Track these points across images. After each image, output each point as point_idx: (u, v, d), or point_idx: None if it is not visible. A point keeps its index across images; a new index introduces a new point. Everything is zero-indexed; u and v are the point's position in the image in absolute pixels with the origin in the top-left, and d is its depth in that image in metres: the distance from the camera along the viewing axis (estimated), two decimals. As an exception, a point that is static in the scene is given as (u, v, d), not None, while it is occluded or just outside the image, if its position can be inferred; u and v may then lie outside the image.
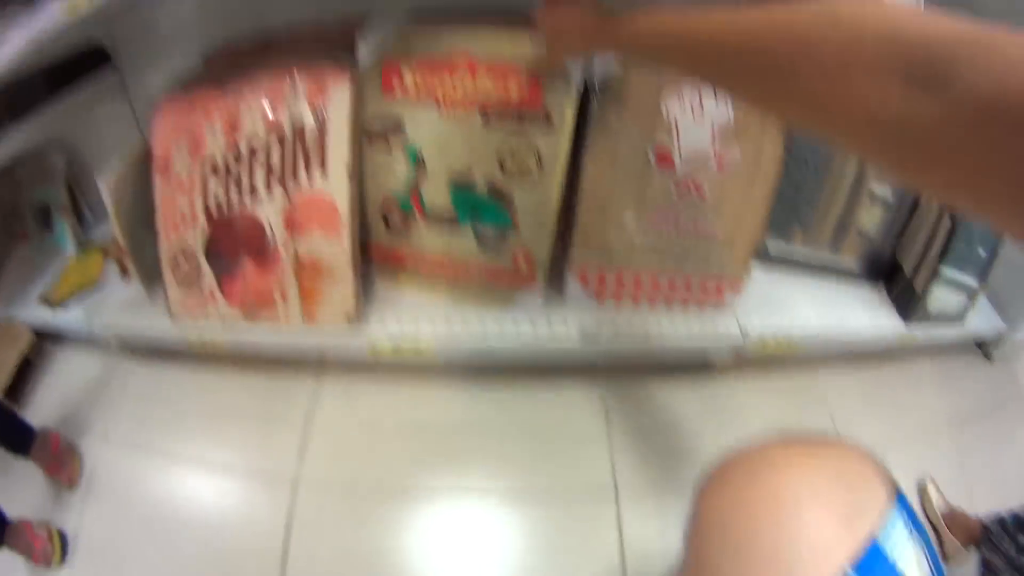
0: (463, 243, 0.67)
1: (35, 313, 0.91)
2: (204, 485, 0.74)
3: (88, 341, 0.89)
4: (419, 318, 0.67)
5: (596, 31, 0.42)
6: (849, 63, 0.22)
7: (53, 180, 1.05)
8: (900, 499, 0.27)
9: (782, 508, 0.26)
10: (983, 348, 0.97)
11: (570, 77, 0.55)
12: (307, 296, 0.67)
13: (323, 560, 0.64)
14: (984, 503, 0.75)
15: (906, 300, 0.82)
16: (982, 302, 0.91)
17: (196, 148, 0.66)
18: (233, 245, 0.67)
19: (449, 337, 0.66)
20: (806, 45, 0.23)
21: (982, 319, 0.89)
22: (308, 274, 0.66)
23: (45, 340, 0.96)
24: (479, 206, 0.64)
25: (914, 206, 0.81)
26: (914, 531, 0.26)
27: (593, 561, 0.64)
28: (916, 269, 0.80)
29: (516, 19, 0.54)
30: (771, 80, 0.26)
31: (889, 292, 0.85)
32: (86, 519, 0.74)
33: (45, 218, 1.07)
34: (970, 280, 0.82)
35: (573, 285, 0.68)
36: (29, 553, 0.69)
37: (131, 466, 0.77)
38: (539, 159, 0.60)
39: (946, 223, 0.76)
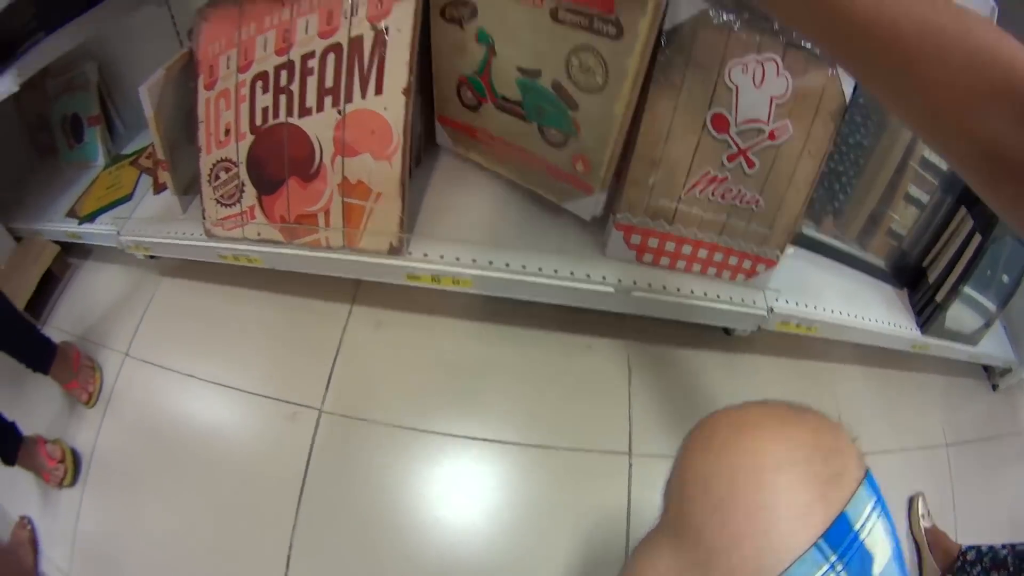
0: (528, 134, 0.67)
1: (62, 227, 0.90)
2: (227, 408, 0.74)
3: (116, 255, 0.88)
4: (461, 252, 0.67)
5: None
6: (974, 85, 0.24)
7: (85, 89, 1.03)
8: (870, 478, 0.28)
9: (762, 471, 0.27)
10: (990, 376, 0.99)
11: None
12: (351, 221, 0.66)
13: (338, 496, 0.65)
14: (966, 530, 0.77)
15: (926, 310, 0.83)
16: (998, 330, 0.93)
17: (245, 60, 0.65)
18: (278, 162, 0.66)
19: (489, 273, 0.66)
20: (941, 55, 0.25)
21: (995, 346, 0.91)
22: (354, 197, 0.65)
23: (71, 254, 0.96)
24: (544, 105, 0.64)
25: (948, 216, 0.81)
26: (882, 513, 0.28)
27: (600, 518, 0.65)
28: (941, 281, 0.80)
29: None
30: (894, 68, 0.27)
31: (911, 299, 0.86)
32: (102, 437, 0.74)
33: (75, 129, 1.06)
34: (990, 303, 0.82)
35: (615, 239, 0.68)
36: (41, 472, 0.70)
37: (153, 384, 0.77)
38: (606, 70, 0.56)
39: (976, 239, 0.76)
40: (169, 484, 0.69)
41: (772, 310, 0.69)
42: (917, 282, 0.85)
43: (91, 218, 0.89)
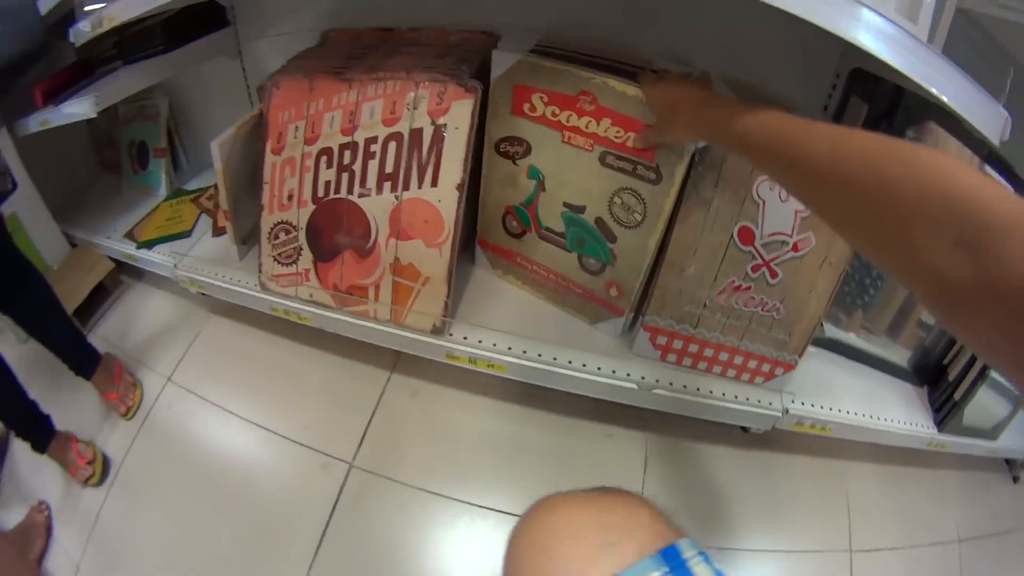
0: (567, 262, 0.74)
1: (120, 247, 0.96)
2: (261, 448, 0.77)
3: (167, 283, 0.94)
4: (498, 339, 0.71)
5: (707, 121, 0.44)
6: (917, 212, 0.26)
7: (154, 121, 1.11)
8: (666, 553, 0.31)
9: (547, 541, 0.33)
10: (1012, 468, 0.97)
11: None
12: (399, 298, 0.70)
13: (357, 547, 0.68)
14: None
15: (944, 407, 0.83)
16: (1020, 421, 0.91)
17: (312, 133, 0.70)
18: (336, 233, 0.71)
19: (522, 361, 0.70)
20: (890, 198, 0.28)
21: (1016, 438, 0.89)
22: (404, 278, 0.69)
23: (124, 271, 1.01)
24: (586, 237, 0.70)
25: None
26: None
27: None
28: (960, 378, 0.81)
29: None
30: (847, 206, 0.30)
31: (931, 397, 0.86)
32: (135, 449, 0.78)
33: (141, 156, 1.14)
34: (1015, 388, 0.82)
35: (642, 339, 0.72)
36: (69, 467, 0.74)
37: (192, 412, 0.81)
38: (644, 209, 0.64)
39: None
40: (194, 507, 0.72)
41: (787, 411, 0.71)
42: (937, 380, 0.86)
43: (149, 245, 0.96)
